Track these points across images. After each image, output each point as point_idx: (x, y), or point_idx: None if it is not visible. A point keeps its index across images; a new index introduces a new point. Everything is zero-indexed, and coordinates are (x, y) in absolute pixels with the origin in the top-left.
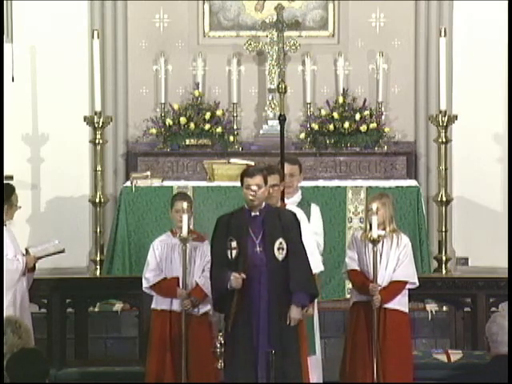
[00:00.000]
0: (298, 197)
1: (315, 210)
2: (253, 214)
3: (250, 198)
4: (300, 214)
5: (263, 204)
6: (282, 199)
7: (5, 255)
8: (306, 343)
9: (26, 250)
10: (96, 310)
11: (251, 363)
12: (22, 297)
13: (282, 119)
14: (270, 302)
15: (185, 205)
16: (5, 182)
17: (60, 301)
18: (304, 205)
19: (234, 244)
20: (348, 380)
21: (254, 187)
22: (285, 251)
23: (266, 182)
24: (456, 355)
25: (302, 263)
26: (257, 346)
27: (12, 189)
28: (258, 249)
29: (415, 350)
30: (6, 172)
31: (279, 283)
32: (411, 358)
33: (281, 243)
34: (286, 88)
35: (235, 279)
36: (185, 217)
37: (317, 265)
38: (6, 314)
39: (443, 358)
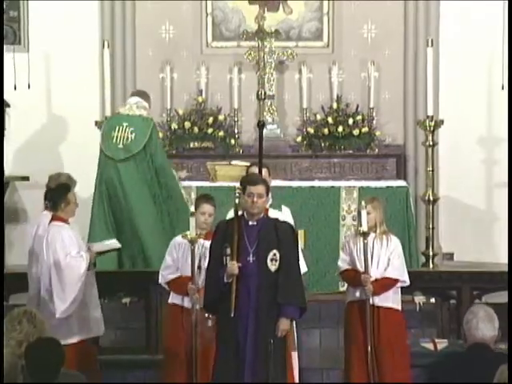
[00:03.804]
0: (268, 199)
1: (286, 212)
2: (250, 222)
3: (250, 206)
4: (287, 216)
5: (261, 214)
6: None
7: (67, 253)
8: (292, 342)
9: (88, 247)
10: (106, 301)
11: (237, 371)
12: (89, 291)
13: (260, 125)
14: (258, 311)
15: (211, 209)
16: (63, 181)
17: None
18: (275, 207)
19: (228, 251)
20: (348, 376)
21: (255, 196)
22: (278, 263)
23: (267, 192)
24: (442, 344)
25: (294, 276)
26: (243, 354)
27: (67, 187)
28: (250, 258)
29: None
30: (22, 173)
31: (269, 294)
32: (407, 353)
33: (274, 254)
34: (265, 95)
35: (231, 266)
36: (192, 219)
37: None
38: (72, 308)
39: (430, 346)
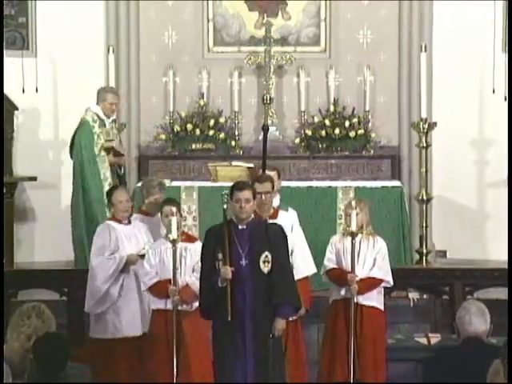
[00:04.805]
0: (276, 201)
1: (292, 214)
2: (240, 227)
3: (239, 211)
4: (294, 221)
5: (251, 217)
6: None
7: (101, 253)
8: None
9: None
10: None
11: (238, 373)
12: (122, 290)
13: (265, 129)
14: (254, 313)
15: (173, 209)
16: (152, 185)
17: (79, 289)
18: (282, 208)
19: (220, 256)
20: (327, 372)
21: (243, 201)
22: (270, 264)
23: (254, 196)
24: (435, 338)
25: (287, 276)
26: (243, 355)
27: (112, 189)
28: (243, 261)
29: (399, 334)
30: (30, 173)
31: (264, 295)
32: (385, 350)
33: (266, 256)
34: (270, 99)
35: (225, 270)
36: (174, 219)
37: (310, 267)
38: (99, 307)
39: (424, 341)
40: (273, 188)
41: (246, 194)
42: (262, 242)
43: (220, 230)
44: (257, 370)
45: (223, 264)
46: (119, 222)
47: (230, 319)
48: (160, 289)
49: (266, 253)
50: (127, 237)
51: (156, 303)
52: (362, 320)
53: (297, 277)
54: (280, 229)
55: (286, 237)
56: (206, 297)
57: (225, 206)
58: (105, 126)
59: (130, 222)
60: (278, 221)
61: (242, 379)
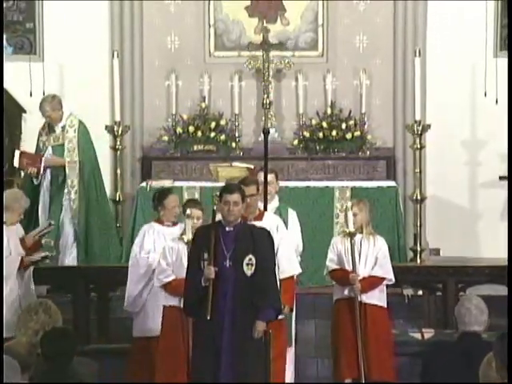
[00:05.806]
0: (275, 202)
1: (292, 214)
2: (227, 228)
3: (227, 213)
4: (279, 222)
5: (238, 220)
6: (265, 207)
7: (137, 252)
8: (287, 338)
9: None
10: (117, 293)
11: (215, 373)
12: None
13: (265, 132)
14: (235, 315)
15: (199, 212)
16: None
17: (84, 286)
18: (282, 209)
19: (206, 256)
20: (337, 370)
21: (231, 204)
22: (254, 267)
23: (243, 199)
24: (429, 333)
25: (270, 280)
26: (220, 355)
27: (165, 193)
28: (227, 263)
29: (394, 330)
30: None
31: (246, 298)
32: (391, 345)
33: (250, 259)
34: (270, 103)
35: (208, 270)
36: (188, 222)
37: (295, 267)
38: (135, 305)
39: (418, 335)
40: (258, 191)
41: (235, 197)
42: (247, 245)
43: (208, 230)
44: (234, 370)
45: (208, 264)
46: (162, 223)
47: (209, 318)
48: (175, 287)
49: (250, 256)
50: (166, 237)
51: (169, 300)
52: (366, 318)
53: (282, 276)
54: (266, 233)
55: (272, 241)
56: (190, 295)
57: (215, 207)
58: (54, 131)
59: (175, 224)
60: (263, 222)
61: (216, 379)
